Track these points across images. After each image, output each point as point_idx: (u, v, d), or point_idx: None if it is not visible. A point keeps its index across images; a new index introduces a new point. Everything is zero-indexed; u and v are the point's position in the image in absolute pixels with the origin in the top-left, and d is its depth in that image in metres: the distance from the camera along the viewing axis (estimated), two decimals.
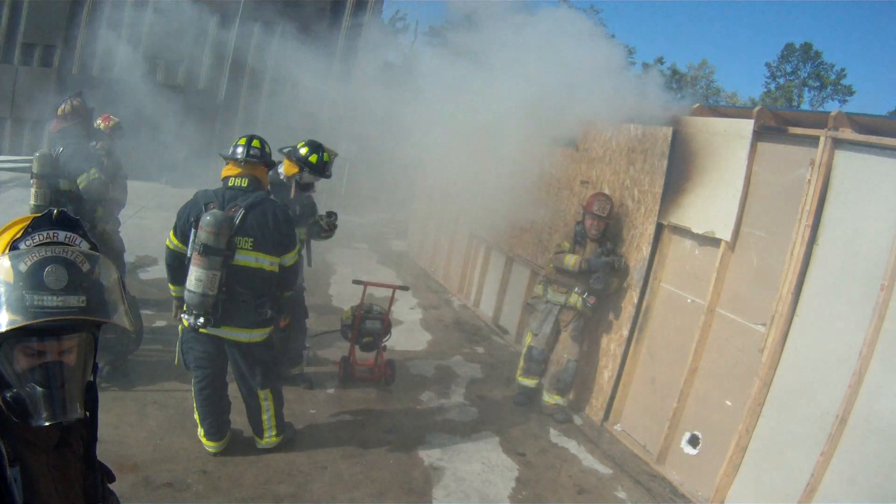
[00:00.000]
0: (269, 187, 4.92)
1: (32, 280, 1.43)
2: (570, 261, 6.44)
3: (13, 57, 16.69)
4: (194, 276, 4.40)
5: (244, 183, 4.67)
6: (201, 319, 4.47)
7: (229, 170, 4.75)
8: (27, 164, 6.77)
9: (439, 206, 12.35)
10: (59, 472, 1.61)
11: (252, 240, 4.56)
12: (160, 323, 7.17)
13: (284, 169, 5.87)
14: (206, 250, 4.37)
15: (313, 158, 5.77)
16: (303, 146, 5.83)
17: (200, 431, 4.84)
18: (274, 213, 4.63)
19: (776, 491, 4.68)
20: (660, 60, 45.31)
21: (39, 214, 1.55)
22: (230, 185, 4.70)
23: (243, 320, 4.60)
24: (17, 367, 1.48)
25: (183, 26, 15.17)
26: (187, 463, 4.64)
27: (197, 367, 4.73)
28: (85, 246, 1.54)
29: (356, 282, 6.83)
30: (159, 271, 8.34)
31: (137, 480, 4.30)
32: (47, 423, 1.50)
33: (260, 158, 4.73)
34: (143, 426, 5.02)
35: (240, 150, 4.70)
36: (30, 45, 16.77)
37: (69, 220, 1.57)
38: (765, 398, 4.89)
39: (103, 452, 4.31)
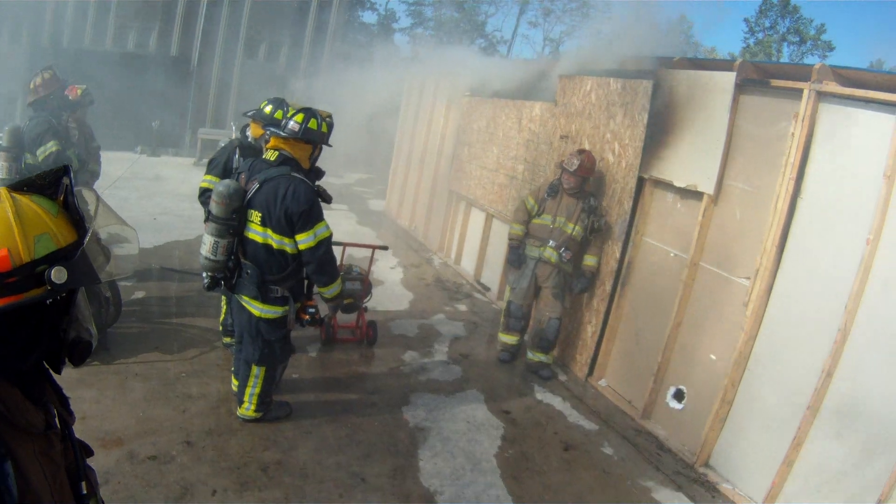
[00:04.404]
0: (307, 166, 4.73)
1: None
2: (512, 229, 6.61)
3: None
4: (203, 239, 4.60)
5: (273, 156, 4.60)
6: (206, 281, 4.72)
7: (272, 140, 4.69)
8: None
9: (418, 165, 12.24)
10: (47, 457, 1.57)
11: (260, 214, 4.50)
12: (139, 294, 7.07)
13: (252, 131, 5.71)
14: (211, 217, 4.52)
15: (278, 115, 5.46)
16: (266, 105, 5.59)
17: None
18: (286, 191, 4.43)
19: (763, 444, 4.73)
20: None
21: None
22: (264, 156, 4.69)
23: (248, 292, 4.64)
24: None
25: None
26: (171, 434, 4.59)
27: (234, 322, 5.00)
28: None
29: (335, 243, 6.74)
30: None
31: (122, 455, 4.24)
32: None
33: (300, 135, 4.56)
34: (126, 399, 4.95)
35: (291, 124, 4.57)
36: None
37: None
38: (750, 352, 4.91)
39: (86, 428, 4.29)
